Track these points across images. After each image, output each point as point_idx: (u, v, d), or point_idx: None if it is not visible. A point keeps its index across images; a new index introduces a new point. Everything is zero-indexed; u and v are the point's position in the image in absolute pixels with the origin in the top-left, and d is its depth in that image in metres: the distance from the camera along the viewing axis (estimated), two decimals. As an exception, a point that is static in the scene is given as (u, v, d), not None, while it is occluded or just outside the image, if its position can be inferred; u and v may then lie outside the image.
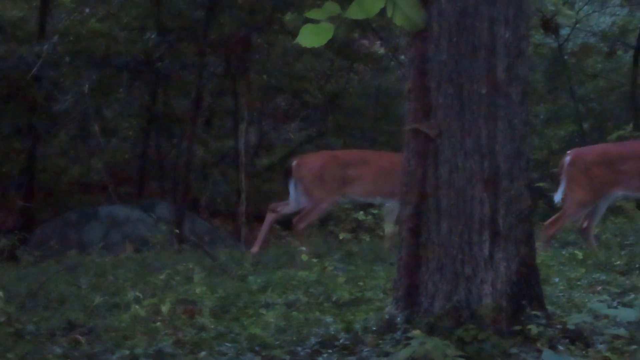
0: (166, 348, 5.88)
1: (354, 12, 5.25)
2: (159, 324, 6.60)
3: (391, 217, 11.56)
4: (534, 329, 5.42)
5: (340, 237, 11.40)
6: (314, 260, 9.49)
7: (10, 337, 6.44)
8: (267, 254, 11.47)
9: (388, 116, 20.44)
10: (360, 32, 20.30)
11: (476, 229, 5.59)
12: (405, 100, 5.94)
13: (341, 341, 5.85)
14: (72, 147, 20.48)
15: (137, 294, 7.53)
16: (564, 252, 9.48)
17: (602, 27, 21.23)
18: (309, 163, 12.03)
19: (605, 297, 6.82)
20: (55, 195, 19.61)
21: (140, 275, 9.78)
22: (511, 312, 5.58)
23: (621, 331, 5.51)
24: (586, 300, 6.71)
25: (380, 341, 5.63)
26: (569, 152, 10.81)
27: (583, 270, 8.27)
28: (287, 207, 11.96)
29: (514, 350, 5.31)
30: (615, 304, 6.49)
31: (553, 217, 10.35)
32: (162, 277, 8.78)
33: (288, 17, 18.86)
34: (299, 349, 5.81)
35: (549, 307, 5.92)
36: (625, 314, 5.27)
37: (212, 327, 6.62)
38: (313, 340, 5.92)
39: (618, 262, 8.68)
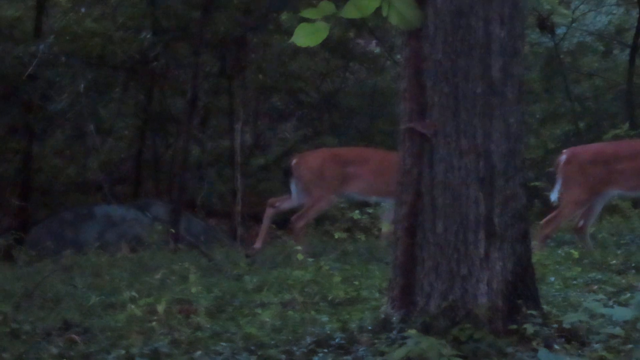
0: (162, 348, 5.89)
1: (350, 12, 5.25)
2: (154, 323, 6.60)
3: (389, 216, 11.56)
4: (529, 328, 5.42)
5: (336, 237, 11.40)
6: (310, 259, 9.50)
7: (6, 337, 6.44)
8: (263, 253, 11.46)
9: (384, 115, 20.40)
10: (355, 31, 20.26)
11: (472, 228, 5.60)
12: (401, 99, 5.94)
13: (337, 340, 5.85)
14: (68, 147, 20.45)
15: (133, 293, 7.52)
16: (559, 251, 9.49)
17: (598, 26, 21.21)
18: (309, 161, 12.05)
19: (601, 296, 6.82)
20: (51, 195, 19.58)
21: (136, 275, 9.78)
22: (507, 311, 5.58)
23: (617, 330, 5.51)
24: (582, 299, 6.70)
25: (376, 340, 5.63)
26: (564, 151, 10.81)
27: (579, 269, 8.28)
28: (287, 202, 11.98)
29: (509, 350, 5.32)
30: (611, 303, 6.50)
31: (549, 216, 10.35)
32: (157, 276, 8.80)
33: (284, 16, 18.84)
34: (295, 348, 5.81)
35: (544, 307, 5.93)
36: (621, 313, 5.28)
37: (208, 326, 6.63)
38: (309, 339, 5.92)
39: (614, 261, 8.70)
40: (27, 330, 6.65)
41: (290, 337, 6.09)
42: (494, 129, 5.64)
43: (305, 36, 5.25)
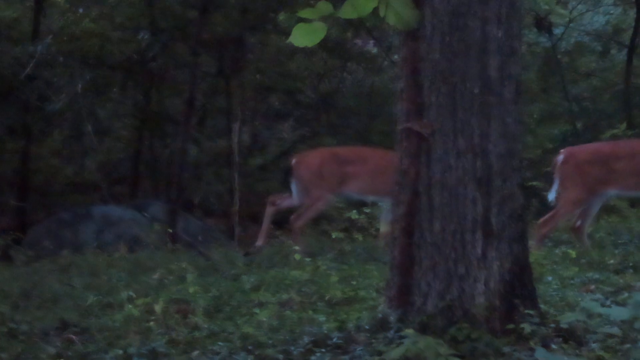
0: (159, 347, 5.89)
1: (347, 12, 5.24)
2: (152, 323, 6.61)
3: (387, 216, 11.55)
4: (527, 327, 5.43)
5: (333, 236, 11.39)
6: (307, 259, 9.49)
7: (3, 337, 6.44)
8: (260, 253, 11.46)
9: (381, 115, 20.39)
10: (353, 31, 20.26)
11: (469, 228, 5.60)
12: (398, 99, 5.94)
13: (334, 340, 5.85)
14: (66, 147, 20.46)
15: (131, 293, 7.53)
16: (557, 251, 9.50)
17: (595, 26, 21.23)
18: (308, 161, 12.06)
19: (598, 295, 6.84)
20: (49, 195, 19.57)
21: (133, 275, 9.78)
22: (504, 311, 5.58)
23: (614, 330, 5.52)
24: (579, 299, 6.72)
25: (373, 340, 5.63)
26: (562, 150, 10.82)
27: (576, 269, 8.29)
28: (288, 201, 12.00)
29: (507, 349, 5.32)
30: (608, 302, 6.50)
31: (546, 216, 10.36)
32: (155, 276, 8.80)
33: (281, 16, 18.84)
34: (292, 348, 5.81)
35: (542, 306, 5.93)
36: (619, 313, 5.26)
37: (205, 326, 6.63)
38: (306, 339, 5.92)
39: (611, 261, 8.70)
40: (24, 330, 6.65)
41: (287, 337, 6.09)
42: (492, 129, 5.64)
43: (303, 36, 5.25)
